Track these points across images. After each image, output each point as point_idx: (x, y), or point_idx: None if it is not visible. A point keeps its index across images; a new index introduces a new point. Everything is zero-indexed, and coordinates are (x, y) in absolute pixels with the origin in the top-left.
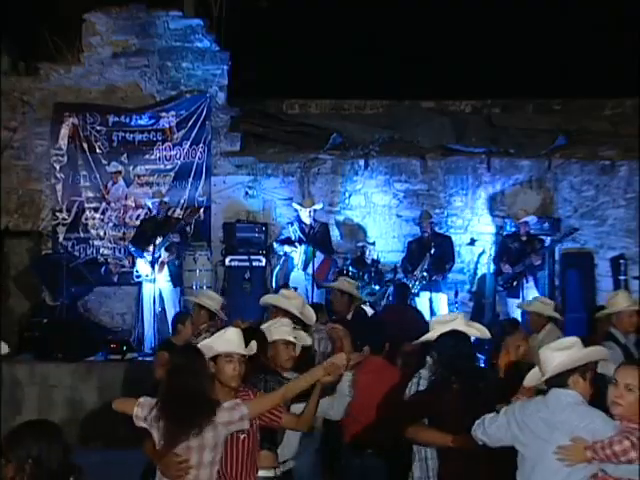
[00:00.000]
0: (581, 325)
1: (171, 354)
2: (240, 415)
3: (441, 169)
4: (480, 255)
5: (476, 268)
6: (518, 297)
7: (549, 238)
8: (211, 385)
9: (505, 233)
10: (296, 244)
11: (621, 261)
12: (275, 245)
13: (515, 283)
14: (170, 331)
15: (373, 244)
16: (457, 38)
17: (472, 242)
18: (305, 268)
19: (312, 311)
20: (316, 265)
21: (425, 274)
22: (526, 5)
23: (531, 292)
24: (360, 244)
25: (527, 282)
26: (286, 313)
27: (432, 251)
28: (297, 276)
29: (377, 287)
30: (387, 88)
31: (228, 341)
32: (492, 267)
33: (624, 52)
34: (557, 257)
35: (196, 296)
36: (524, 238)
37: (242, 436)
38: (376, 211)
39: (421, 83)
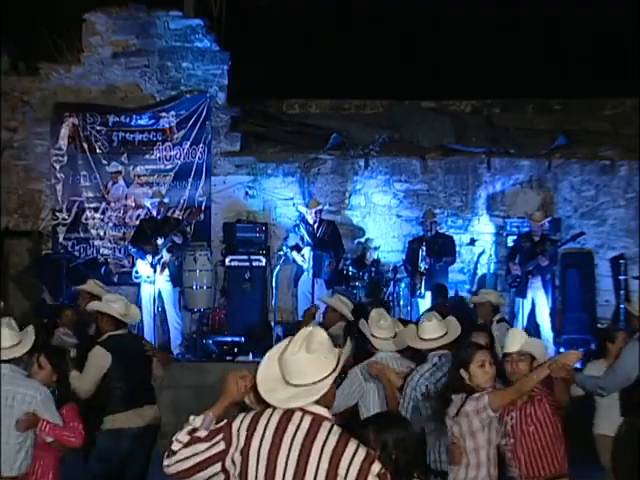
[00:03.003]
0: (581, 325)
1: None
2: (483, 405)
3: (441, 169)
4: (480, 255)
5: (476, 268)
6: (525, 297)
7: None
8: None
9: (519, 233)
10: (304, 254)
11: (621, 261)
12: (285, 249)
13: (523, 283)
14: (170, 331)
15: (377, 248)
16: (457, 38)
17: (472, 242)
18: (316, 274)
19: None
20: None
21: (424, 268)
22: (526, 5)
23: (538, 292)
24: (360, 244)
25: (534, 282)
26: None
27: (424, 247)
28: (306, 280)
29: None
30: (387, 88)
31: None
32: (492, 267)
33: (624, 52)
34: (557, 257)
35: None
36: (536, 239)
37: (530, 428)
38: (376, 211)
39: (421, 83)
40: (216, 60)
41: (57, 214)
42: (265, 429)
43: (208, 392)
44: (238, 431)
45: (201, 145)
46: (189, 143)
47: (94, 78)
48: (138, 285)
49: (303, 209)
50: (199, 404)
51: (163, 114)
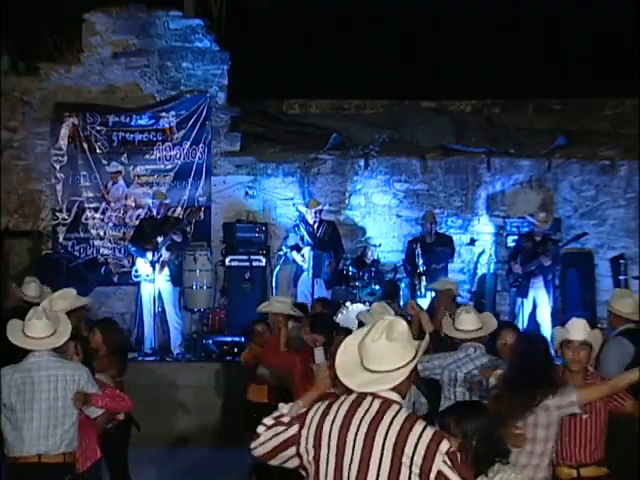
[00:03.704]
0: None
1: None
2: (569, 401)
3: (441, 169)
4: (480, 255)
5: (476, 268)
6: (526, 297)
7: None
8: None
9: (519, 233)
10: (304, 254)
11: (621, 261)
12: (284, 249)
13: (524, 283)
14: (170, 331)
15: (379, 246)
16: (457, 38)
17: (472, 242)
18: (315, 274)
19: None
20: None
21: (423, 268)
22: (526, 5)
23: (540, 292)
24: (361, 244)
25: (536, 282)
26: None
27: (420, 247)
28: (306, 280)
29: (377, 287)
30: (387, 88)
31: None
32: (492, 267)
33: (624, 52)
34: (560, 257)
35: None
36: (538, 239)
37: (585, 416)
38: (376, 211)
39: (421, 83)
40: (216, 60)
41: (57, 214)
42: (336, 413)
43: (208, 392)
44: (312, 416)
45: (201, 145)
46: (189, 143)
47: (94, 78)
48: (138, 285)
49: (303, 209)
50: (199, 404)
51: (163, 114)
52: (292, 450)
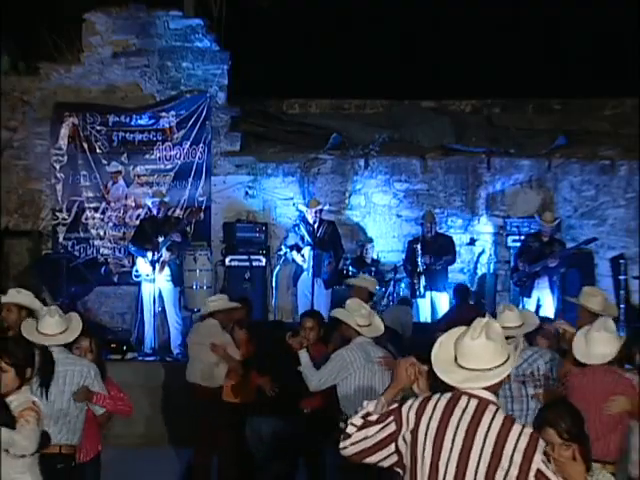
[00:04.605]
0: None
1: None
2: None
3: (441, 169)
4: (480, 255)
5: (476, 268)
6: (530, 296)
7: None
8: None
9: (520, 232)
10: (304, 253)
11: (621, 261)
12: (284, 249)
13: (528, 282)
14: (170, 331)
15: (371, 241)
16: (457, 38)
17: (472, 242)
18: (315, 274)
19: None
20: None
21: (422, 267)
22: (526, 5)
23: (544, 293)
24: (360, 244)
25: (541, 283)
26: None
27: (424, 247)
28: (306, 280)
29: (377, 287)
30: (387, 88)
31: None
32: (492, 267)
33: (624, 52)
34: (566, 259)
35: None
36: (545, 239)
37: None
38: (376, 211)
39: (421, 83)
40: (216, 60)
41: (57, 214)
42: (433, 411)
43: None
44: (408, 413)
45: (201, 145)
46: (189, 143)
47: (94, 78)
48: (138, 284)
49: (303, 209)
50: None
51: (163, 114)
52: (391, 448)
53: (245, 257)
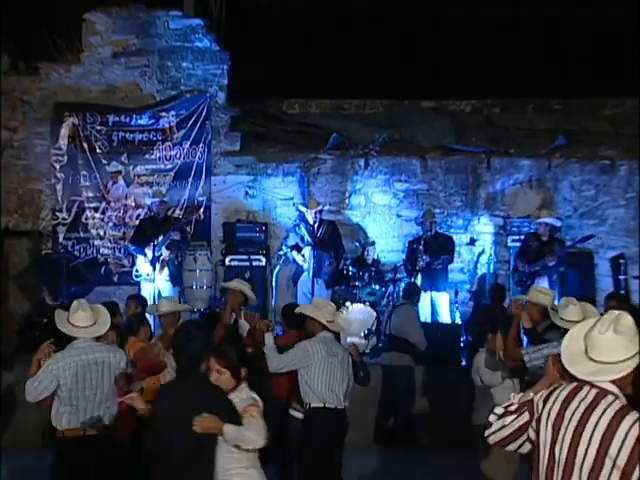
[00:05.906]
0: None
1: None
2: None
3: (441, 169)
4: (480, 255)
5: (476, 268)
6: None
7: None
8: None
9: (521, 232)
10: (304, 254)
11: (621, 261)
12: (284, 249)
13: (528, 282)
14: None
15: (373, 243)
16: (457, 38)
17: (472, 242)
18: (316, 274)
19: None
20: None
21: (422, 265)
22: (526, 5)
23: None
24: (360, 243)
25: (541, 282)
26: None
27: (422, 245)
28: (306, 280)
29: (377, 287)
30: (387, 88)
31: None
32: (492, 267)
33: (624, 52)
34: (565, 258)
35: None
36: (545, 238)
37: None
38: (376, 211)
39: (421, 83)
40: (216, 60)
41: (57, 214)
42: (555, 399)
43: None
44: (537, 402)
45: (201, 145)
46: (189, 143)
47: (94, 78)
48: (138, 284)
49: (303, 209)
50: None
51: (163, 114)
52: (524, 436)
53: (245, 257)
